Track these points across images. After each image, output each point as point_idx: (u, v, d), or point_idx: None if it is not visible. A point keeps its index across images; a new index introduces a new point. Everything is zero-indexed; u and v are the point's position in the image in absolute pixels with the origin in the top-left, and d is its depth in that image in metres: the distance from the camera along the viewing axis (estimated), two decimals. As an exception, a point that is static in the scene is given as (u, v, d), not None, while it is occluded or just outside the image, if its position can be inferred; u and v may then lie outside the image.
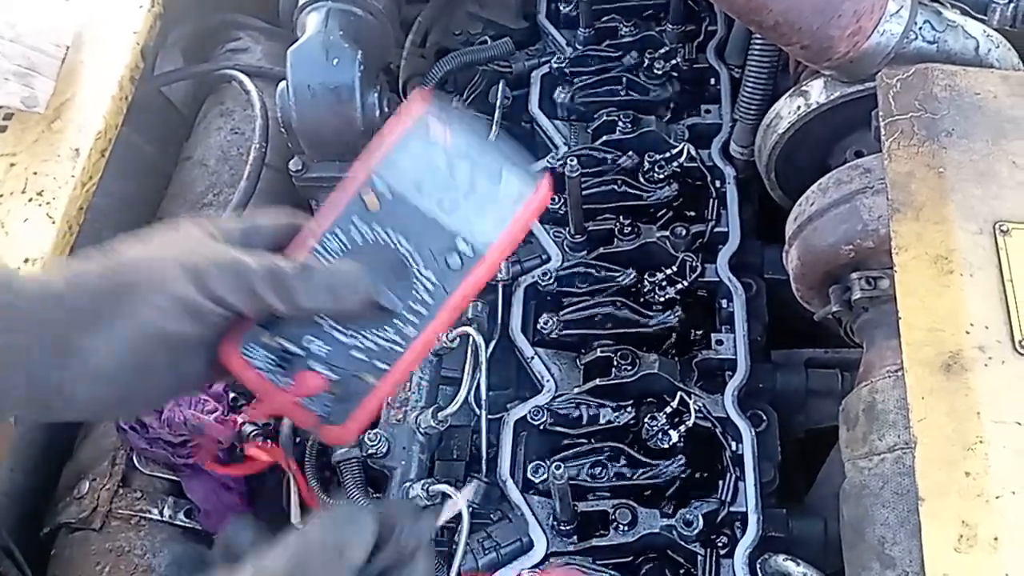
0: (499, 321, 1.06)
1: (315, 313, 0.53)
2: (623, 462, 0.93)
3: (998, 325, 0.68)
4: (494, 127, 1.17)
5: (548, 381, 1.00)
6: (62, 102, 1.16)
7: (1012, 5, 0.83)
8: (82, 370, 0.49)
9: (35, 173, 1.10)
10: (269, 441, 1.04)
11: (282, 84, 1.16)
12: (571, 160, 1.03)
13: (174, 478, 1.05)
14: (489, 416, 0.99)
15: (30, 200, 1.08)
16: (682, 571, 0.91)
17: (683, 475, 0.92)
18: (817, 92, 0.95)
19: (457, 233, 0.55)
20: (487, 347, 1.02)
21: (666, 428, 0.93)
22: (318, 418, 0.54)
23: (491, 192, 0.55)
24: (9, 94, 1.13)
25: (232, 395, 1.05)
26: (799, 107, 0.97)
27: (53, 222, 1.06)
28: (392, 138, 0.55)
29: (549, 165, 1.16)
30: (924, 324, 0.69)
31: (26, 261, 1.02)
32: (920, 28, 0.87)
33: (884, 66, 0.87)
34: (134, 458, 1.05)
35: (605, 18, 1.30)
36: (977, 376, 0.66)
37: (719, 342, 1.02)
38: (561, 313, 1.05)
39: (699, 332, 1.05)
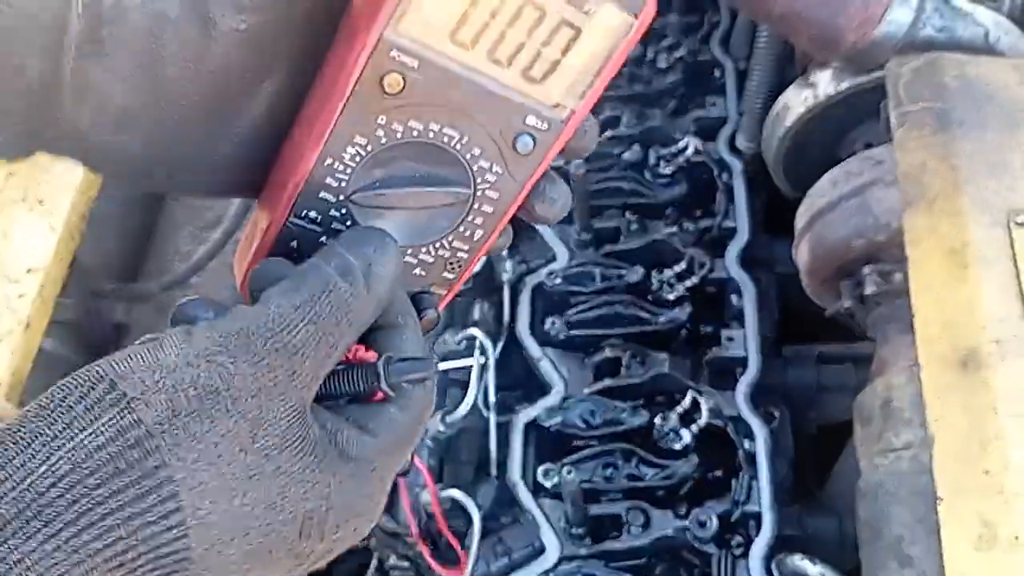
0: (505, 322, 1.05)
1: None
2: (635, 463, 0.92)
3: (1014, 319, 0.67)
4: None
5: (557, 382, 0.99)
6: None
7: (1023, -8, 0.82)
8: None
9: (35, 182, 1.09)
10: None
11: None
12: (576, 160, 1.02)
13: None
14: (498, 418, 0.98)
15: (31, 209, 1.07)
16: (697, 573, 0.89)
17: (696, 475, 0.91)
18: (825, 83, 0.94)
19: (524, 103, 0.39)
20: (494, 348, 1.02)
21: (678, 428, 0.92)
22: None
23: (569, 25, 0.37)
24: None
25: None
26: (807, 98, 0.95)
27: (54, 230, 1.05)
28: None
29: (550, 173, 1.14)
30: (939, 319, 0.68)
31: (28, 271, 1.02)
32: (929, 16, 0.85)
33: (893, 55, 0.86)
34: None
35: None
36: (994, 371, 0.65)
37: (730, 339, 1.01)
38: (569, 313, 1.03)
39: (709, 329, 1.04)
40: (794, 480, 0.97)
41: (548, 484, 0.92)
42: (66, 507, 0.31)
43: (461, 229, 0.43)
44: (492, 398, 0.97)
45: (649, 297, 1.03)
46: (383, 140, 0.39)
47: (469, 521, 0.91)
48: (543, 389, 1.01)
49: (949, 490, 0.61)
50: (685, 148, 1.12)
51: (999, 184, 0.74)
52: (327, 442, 0.36)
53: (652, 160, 1.12)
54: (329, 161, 0.39)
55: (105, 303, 1.22)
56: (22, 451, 0.31)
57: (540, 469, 0.93)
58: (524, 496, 0.92)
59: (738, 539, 0.89)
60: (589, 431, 0.96)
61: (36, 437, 0.31)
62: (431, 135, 0.39)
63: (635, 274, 1.04)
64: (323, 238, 0.41)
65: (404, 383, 0.39)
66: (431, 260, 0.44)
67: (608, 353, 1.00)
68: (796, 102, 0.96)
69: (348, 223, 0.42)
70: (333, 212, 0.41)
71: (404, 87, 0.37)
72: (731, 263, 1.06)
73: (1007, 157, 0.75)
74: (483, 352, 0.98)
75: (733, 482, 0.91)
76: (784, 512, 0.90)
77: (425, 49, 0.37)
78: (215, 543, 0.33)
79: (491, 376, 0.97)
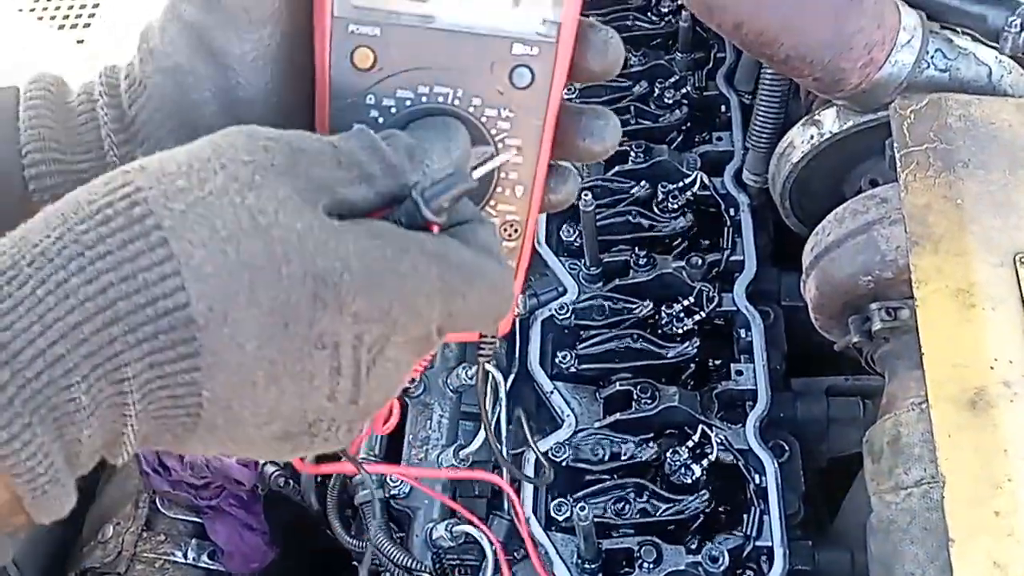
0: (517, 355, 1.06)
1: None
2: (647, 498, 0.93)
3: (1022, 359, 0.68)
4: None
5: (568, 416, 1.00)
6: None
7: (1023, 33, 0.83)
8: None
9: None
10: (291, 482, 1.04)
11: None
12: (585, 195, 1.03)
13: (197, 520, 1.05)
14: (509, 451, 0.99)
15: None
16: (709, 607, 0.90)
17: (707, 510, 0.92)
18: (830, 121, 0.95)
19: (503, 34, 0.37)
20: (505, 381, 1.03)
21: (689, 463, 0.93)
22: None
23: None
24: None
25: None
26: (812, 136, 0.97)
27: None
28: None
29: (559, 163, 1.16)
30: (948, 360, 0.69)
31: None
32: (932, 57, 0.87)
33: (897, 95, 0.87)
34: (157, 501, 1.05)
35: (614, 48, 1.31)
36: (1003, 412, 0.66)
37: (739, 372, 1.02)
38: (579, 347, 1.05)
39: (718, 362, 1.05)
40: (805, 513, 0.98)
41: (560, 518, 0.93)
42: (56, 253, 0.29)
43: (500, 190, 0.41)
44: (504, 434, 0.98)
45: (658, 331, 1.05)
46: (380, 120, 0.38)
47: (482, 555, 0.92)
48: (554, 421, 1.02)
49: (961, 532, 0.62)
50: (692, 183, 1.13)
51: (1004, 224, 0.75)
52: (350, 221, 0.33)
53: (660, 195, 1.13)
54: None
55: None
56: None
57: (553, 504, 0.94)
58: (537, 530, 0.93)
59: (750, 574, 0.90)
60: (600, 465, 0.97)
61: None
62: (424, 99, 0.37)
63: (644, 308, 1.05)
64: None
65: (446, 204, 0.35)
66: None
67: (618, 387, 1.01)
68: (801, 140, 0.98)
69: None
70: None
71: (375, 59, 0.36)
72: (739, 297, 1.07)
73: (1012, 197, 0.76)
74: (495, 386, 1.00)
75: (744, 516, 0.92)
76: (795, 546, 0.90)
77: (380, 14, 0.35)
78: (217, 301, 0.30)
79: (503, 413, 0.98)
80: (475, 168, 0.38)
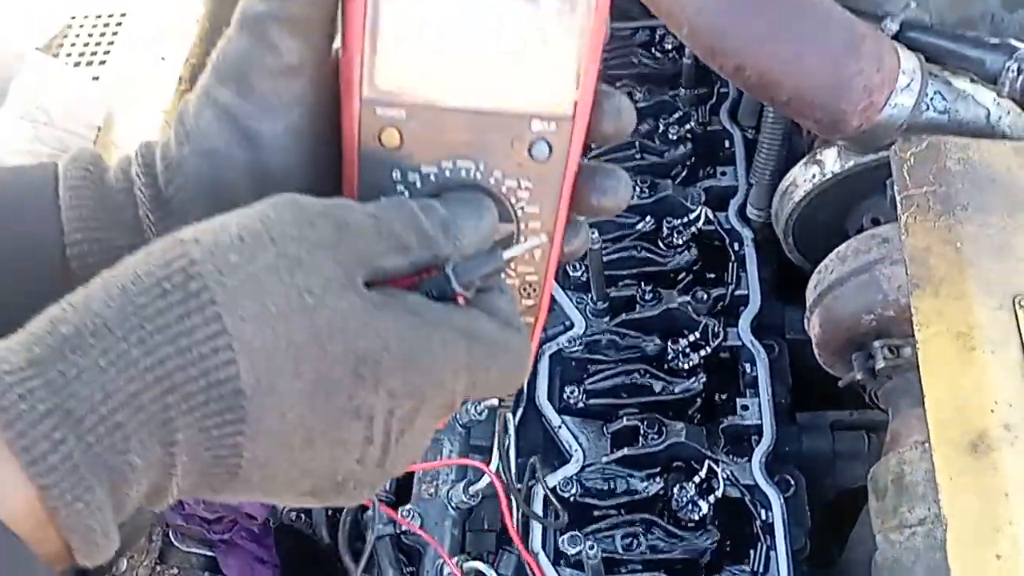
0: (525, 389, 1.08)
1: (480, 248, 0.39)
2: (655, 534, 0.94)
3: (1021, 403, 0.69)
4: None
5: (576, 451, 1.02)
6: (94, 183, 1.20)
7: (1021, 78, 0.85)
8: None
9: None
10: (302, 516, 1.06)
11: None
12: (592, 232, 1.05)
13: (210, 554, 1.06)
14: (519, 485, 1.00)
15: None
16: (716, 643, 0.91)
17: (715, 546, 0.93)
18: (832, 161, 0.97)
19: (521, 111, 0.38)
20: (514, 416, 1.04)
21: (696, 499, 0.94)
22: None
23: (535, 23, 0.36)
24: (44, 179, 1.17)
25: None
26: (814, 175, 0.98)
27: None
28: (354, 29, 0.36)
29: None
30: (949, 403, 0.70)
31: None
32: (931, 99, 0.89)
33: (898, 135, 0.89)
34: (170, 535, 1.06)
35: (619, 84, 1.33)
36: (1004, 455, 0.67)
37: (744, 407, 1.03)
38: (587, 381, 1.06)
39: (724, 396, 1.06)
40: (812, 548, 0.99)
41: (569, 553, 0.94)
42: (117, 324, 0.31)
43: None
44: (513, 468, 0.99)
45: (665, 366, 1.06)
46: (406, 194, 0.40)
47: (491, 590, 0.93)
48: (562, 455, 1.03)
49: (963, 574, 0.63)
50: (697, 218, 1.15)
51: (1003, 267, 0.76)
52: (388, 296, 0.35)
53: (665, 230, 1.15)
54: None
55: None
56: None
57: (561, 539, 0.95)
58: (546, 565, 0.94)
59: (757, 609, 0.91)
60: (608, 500, 0.98)
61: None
62: (447, 174, 0.39)
63: (651, 344, 1.07)
64: None
65: (477, 281, 0.37)
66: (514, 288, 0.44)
67: (626, 422, 1.02)
68: (804, 179, 0.99)
69: None
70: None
71: (402, 138, 0.38)
72: (744, 331, 1.08)
73: (1010, 240, 0.77)
74: (504, 422, 1.01)
75: (751, 552, 0.93)
76: (802, 582, 0.91)
77: (406, 97, 0.37)
78: (264, 374, 0.32)
79: (512, 447, 0.99)
80: (506, 247, 0.40)
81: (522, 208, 0.41)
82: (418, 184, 0.39)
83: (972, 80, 0.91)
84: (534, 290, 0.44)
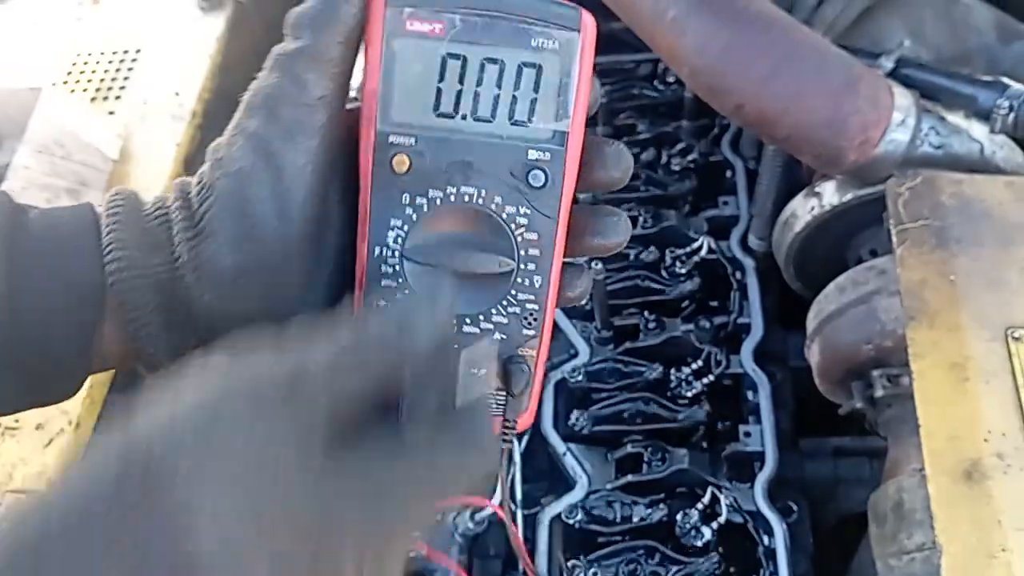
0: (531, 416, 1.09)
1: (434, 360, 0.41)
2: (658, 560, 0.95)
3: (1014, 432, 0.71)
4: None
5: (581, 477, 1.03)
6: (110, 214, 1.23)
7: (1012, 115, 0.87)
8: (210, 281, 0.44)
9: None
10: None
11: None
12: (596, 263, 1.07)
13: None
14: (524, 511, 1.02)
15: (82, 311, 1.13)
16: (720, 668, 0.92)
17: (718, 572, 0.94)
18: (830, 193, 0.99)
19: (518, 142, 0.42)
20: (520, 442, 1.06)
21: (699, 525, 0.95)
22: (501, 416, 0.45)
23: (528, 63, 0.42)
24: (62, 211, 1.20)
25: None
26: (813, 207, 1.01)
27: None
28: (374, 69, 0.42)
29: (575, 261, 1.20)
30: (944, 432, 0.72)
31: (79, 372, 1.07)
32: (926, 134, 0.91)
33: (895, 169, 0.91)
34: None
35: (622, 115, 1.36)
36: (997, 484, 0.69)
37: (747, 434, 1.05)
38: (591, 409, 1.08)
39: (727, 423, 1.08)
40: (815, 573, 1.00)
41: (574, 580, 0.95)
42: (78, 527, 0.31)
43: (519, 280, 0.44)
44: (519, 495, 1.01)
45: (668, 394, 1.08)
46: (413, 217, 0.43)
47: (498, 616, 0.95)
48: (567, 481, 1.05)
49: (958, 602, 0.65)
50: (699, 247, 1.17)
51: (996, 299, 0.78)
52: (349, 454, 0.35)
53: (668, 259, 1.17)
54: (378, 251, 0.44)
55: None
56: None
57: (568, 564, 0.96)
58: (551, 592, 0.96)
59: (760, 635, 0.92)
60: (612, 526, 1.00)
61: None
62: (452, 198, 0.43)
63: (654, 372, 1.09)
64: None
65: (434, 406, 0.39)
66: (505, 321, 0.45)
67: (630, 449, 1.04)
68: (803, 211, 1.02)
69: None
70: (394, 294, 0.44)
71: (411, 164, 0.42)
72: (746, 359, 1.10)
73: (1003, 273, 0.80)
74: (509, 451, 1.03)
75: (754, 578, 0.94)
76: (805, 608, 0.93)
77: (416, 127, 0.42)
78: (223, 548, 0.32)
79: (518, 474, 1.01)
80: (505, 283, 0.43)
81: (521, 235, 0.43)
82: (424, 208, 0.43)
83: (966, 115, 0.94)
84: (535, 319, 0.45)
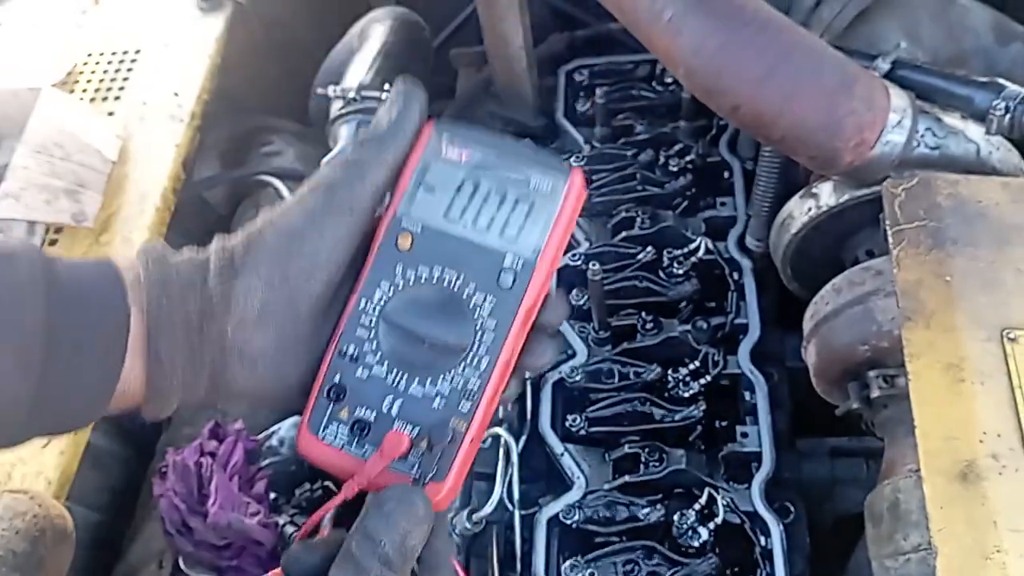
0: (528, 416, 1.10)
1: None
2: (656, 560, 0.95)
3: (1009, 433, 0.71)
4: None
5: (578, 477, 1.03)
6: (109, 215, 1.23)
7: (1008, 116, 0.87)
8: (240, 315, 0.50)
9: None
10: (310, 542, 1.07)
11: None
12: (593, 263, 1.08)
13: (219, 580, 1.08)
14: (521, 512, 1.02)
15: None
16: (717, 669, 0.92)
17: (715, 572, 0.94)
18: (827, 195, 0.99)
19: (500, 250, 0.52)
20: (517, 443, 1.06)
21: (696, 525, 0.95)
22: (414, 480, 0.50)
23: (524, 197, 0.53)
24: (60, 211, 1.20)
25: (273, 496, 1.09)
26: (810, 208, 1.01)
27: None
28: (408, 172, 0.54)
29: (572, 262, 1.21)
30: (939, 433, 0.72)
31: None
32: (922, 136, 0.91)
33: (891, 170, 0.91)
34: (180, 561, 1.08)
35: (620, 116, 1.36)
36: (992, 485, 0.69)
37: (744, 434, 1.05)
38: (589, 410, 1.08)
39: (724, 424, 1.08)
40: (812, 574, 1.00)
41: (571, 580, 0.96)
42: None
43: (470, 358, 0.52)
44: (517, 495, 1.01)
45: (665, 394, 1.08)
46: (400, 285, 0.53)
47: (496, 617, 0.95)
48: (565, 482, 1.05)
49: (953, 602, 0.65)
50: (697, 248, 1.17)
51: (992, 300, 0.78)
52: None
53: (665, 260, 1.17)
54: (363, 303, 0.53)
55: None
56: None
57: (565, 565, 0.96)
58: (548, 592, 0.96)
59: (757, 635, 0.92)
60: (610, 527, 1.00)
61: None
62: (435, 279, 0.53)
63: (651, 372, 1.09)
64: (359, 370, 0.53)
65: None
66: (447, 391, 0.52)
67: (627, 449, 1.04)
68: (800, 212, 1.02)
69: (379, 357, 0.53)
70: (366, 346, 0.53)
71: (412, 244, 0.53)
72: (743, 359, 1.10)
73: (999, 274, 0.80)
74: (507, 451, 1.03)
75: (750, 578, 0.94)
76: (801, 608, 0.93)
77: (426, 220, 0.53)
78: None
79: (515, 475, 1.01)
80: (464, 361, 0.53)
81: (482, 320, 0.52)
82: (411, 280, 0.53)
83: (963, 116, 0.94)
84: (472, 398, 0.52)
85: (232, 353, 0.50)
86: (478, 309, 0.52)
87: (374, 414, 0.52)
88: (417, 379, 0.52)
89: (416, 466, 0.51)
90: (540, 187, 0.53)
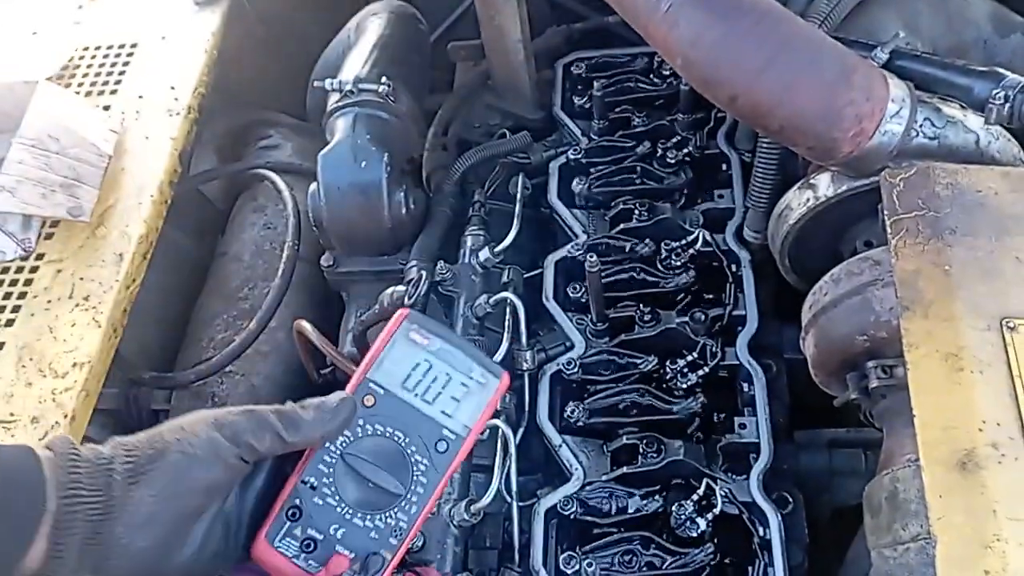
0: (526, 408, 1.10)
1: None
2: (653, 551, 0.95)
3: (1009, 422, 0.71)
4: (515, 220, 1.22)
5: (576, 469, 1.03)
6: (105, 208, 1.23)
7: (1008, 105, 0.87)
8: (131, 520, 0.58)
9: (81, 279, 1.15)
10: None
11: (313, 185, 1.23)
12: (591, 256, 1.07)
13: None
14: (520, 503, 1.02)
15: (77, 305, 1.13)
16: (715, 659, 0.92)
17: (713, 562, 0.94)
18: (825, 185, 0.99)
19: (441, 421, 0.68)
20: (515, 435, 1.06)
21: (694, 516, 0.95)
22: None
23: (465, 384, 0.69)
24: (56, 205, 1.20)
25: None
26: (808, 199, 1.01)
27: (99, 326, 1.10)
28: (380, 345, 0.70)
29: (570, 254, 1.20)
30: (938, 422, 0.72)
31: (74, 366, 1.07)
32: (921, 125, 0.91)
33: (889, 161, 0.91)
34: None
35: (618, 109, 1.36)
36: (992, 474, 0.69)
37: (742, 425, 1.05)
38: (587, 401, 1.08)
39: (722, 415, 1.08)
40: (810, 564, 1.00)
41: (569, 571, 0.95)
42: None
43: (403, 503, 0.66)
44: (515, 487, 1.01)
45: (663, 386, 1.08)
46: (360, 433, 0.68)
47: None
48: (563, 473, 1.05)
49: (952, 590, 0.65)
50: (695, 240, 1.17)
51: (991, 289, 0.78)
52: None
53: (663, 252, 1.17)
54: (329, 444, 0.67)
55: (143, 391, 1.28)
56: None
57: (562, 557, 0.96)
58: (547, 583, 0.95)
59: (755, 626, 0.92)
60: (608, 518, 1.00)
61: None
62: (387, 433, 0.68)
63: (649, 364, 1.08)
64: (315, 497, 0.66)
65: None
66: (383, 526, 0.66)
67: (625, 440, 1.04)
68: (798, 203, 1.02)
69: (334, 490, 0.66)
70: (324, 480, 0.66)
71: (375, 403, 0.68)
72: (741, 351, 1.10)
73: (998, 263, 0.80)
74: (505, 443, 1.03)
75: (749, 569, 0.94)
76: (800, 598, 0.93)
77: (387, 386, 0.69)
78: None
79: (513, 466, 1.01)
80: (398, 505, 0.67)
81: (416, 476, 0.67)
82: (369, 431, 0.67)
83: (962, 106, 0.94)
84: (400, 535, 0.66)
85: (116, 548, 0.58)
86: (416, 465, 0.67)
87: (322, 536, 0.65)
88: (360, 513, 0.66)
89: None
90: (478, 378, 0.70)
